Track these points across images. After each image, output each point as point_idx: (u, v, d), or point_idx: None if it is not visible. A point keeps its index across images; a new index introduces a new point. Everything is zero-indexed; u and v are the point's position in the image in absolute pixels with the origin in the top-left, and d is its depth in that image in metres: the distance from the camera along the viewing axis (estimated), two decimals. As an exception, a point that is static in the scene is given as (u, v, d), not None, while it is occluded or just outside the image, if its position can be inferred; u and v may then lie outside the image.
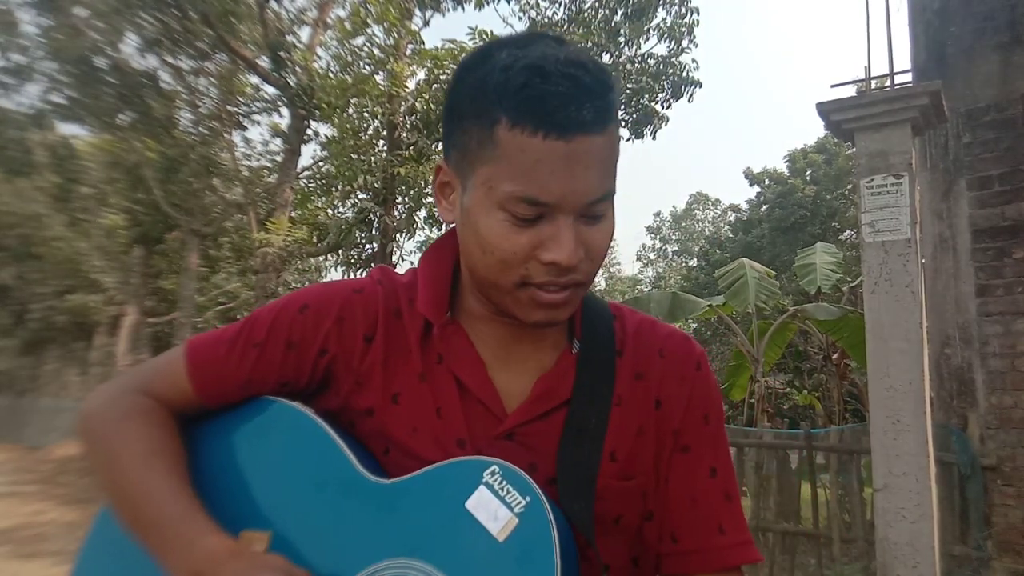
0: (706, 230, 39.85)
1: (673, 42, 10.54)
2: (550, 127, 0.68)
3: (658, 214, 43.45)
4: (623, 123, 10.87)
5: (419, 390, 0.82)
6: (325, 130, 11.49)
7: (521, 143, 0.69)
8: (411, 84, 10.11)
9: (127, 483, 0.78)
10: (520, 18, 11.03)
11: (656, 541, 0.85)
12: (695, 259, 28.55)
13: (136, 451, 0.79)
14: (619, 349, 0.86)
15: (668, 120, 10.89)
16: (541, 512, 0.70)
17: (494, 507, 0.71)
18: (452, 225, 0.82)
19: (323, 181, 13.33)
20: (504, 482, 0.71)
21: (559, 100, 0.68)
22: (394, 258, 10.58)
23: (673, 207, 43.11)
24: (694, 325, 16.71)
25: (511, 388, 0.83)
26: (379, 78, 10.14)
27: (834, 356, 8.79)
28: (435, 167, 0.81)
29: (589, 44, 10.26)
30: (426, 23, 10.75)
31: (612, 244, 0.78)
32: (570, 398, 0.81)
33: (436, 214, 10.14)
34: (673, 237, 42.03)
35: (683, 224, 41.93)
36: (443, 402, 0.81)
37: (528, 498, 0.70)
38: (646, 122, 10.79)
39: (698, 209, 42.38)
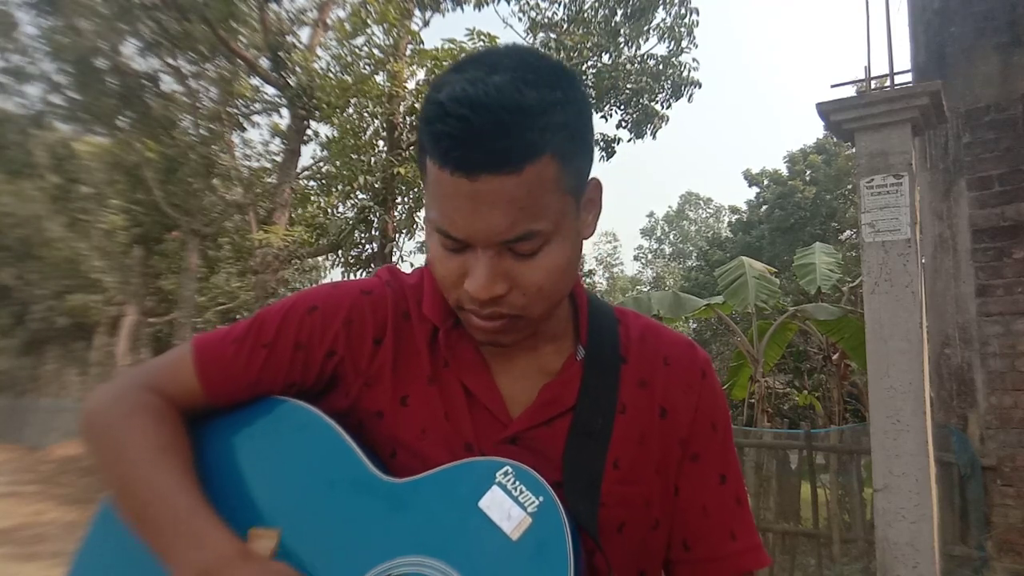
0: (700, 230, 39.90)
1: (673, 42, 10.56)
2: (452, 165, 0.67)
3: (651, 215, 43.46)
4: (623, 124, 10.88)
5: (428, 393, 0.82)
6: (325, 130, 11.52)
7: (436, 175, 0.70)
8: (411, 84, 10.13)
9: (133, 480, 0.77)
10: (520, 19, 11.06)
11: (666, 549, 0.85)
12: (692, 259, 28.57)
13: (143, 447, 0.78)
14: (623, 356, 0.86)
15: (668, 120, 10.91)
16: (554, 512, 0.71)
17: (507, 507, 0.71)
18: None
19: (323, 181, 13.33)
20: (517, 482, 0.72)
21: (450, 141, 0.67)
22: (394, 258, 10.59)
23: (669, 207, 43.19)
24: (694, 325, 16.73)
25: (515, 393, 0.83)
26: (379, 78, 10.15)
27: (834, 356, 8.80)
28: None
29: (589, 44, 10.27)
30: (426, 23, 10.77)
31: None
32: (575, 404, 0.82)
33: None
34: (669, 239, 42.09)
35: (681, 224, 41.98)
36: (450, 406, 0.82)
37: (541, 498, 0.71)
38: (646, 122, 10.80)
39: (690, 210, 42.43)
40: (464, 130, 0.66)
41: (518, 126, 0.67)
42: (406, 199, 10.62)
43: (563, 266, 0.74)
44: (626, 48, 10.71)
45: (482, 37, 9.52)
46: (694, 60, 10.74)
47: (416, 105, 9.75)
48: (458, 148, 0.67)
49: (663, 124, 10.90)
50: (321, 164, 14.24)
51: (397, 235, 10.69)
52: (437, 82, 0.72)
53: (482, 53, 0.75)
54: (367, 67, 10.22)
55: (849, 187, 16.61)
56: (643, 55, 10.75)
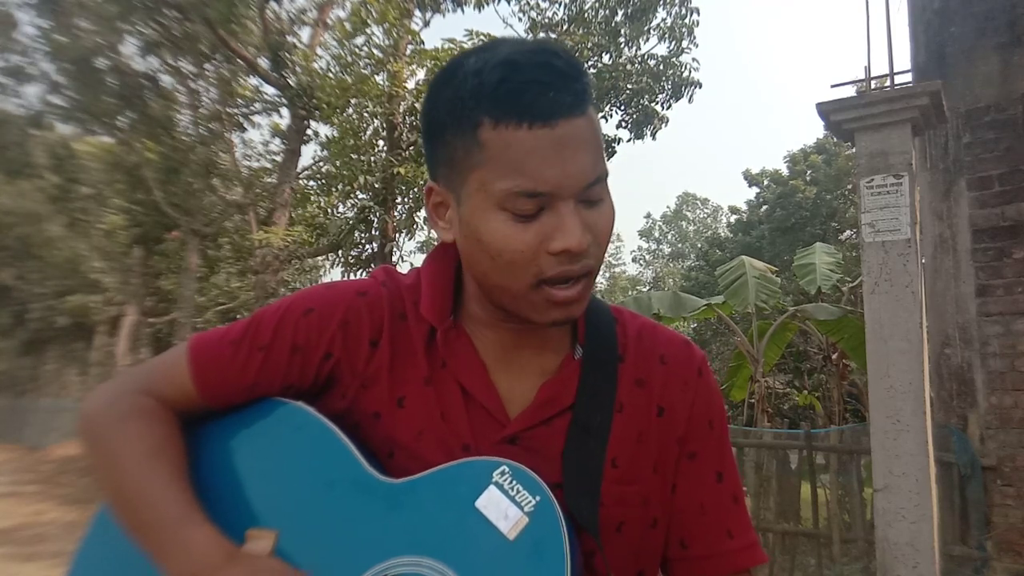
0: (698, 230, 39.96)
1: (673, 42, 10.55)
2: (534, 116, 0.68)
3: (648, 216, 43.57)
4: (623, 124, 10.89)
5: (424, 394, 0.82)
6: (325, 130, 11.51)
7: (507, 139, 0.69)
8: (411, 84, 10.13)
9: (126, 484, 0.78)
10: (520, 19, 11.05)
11: (663, 547, 0.86)
12: (691, 260, 28.55)
13: (136, 452, 0.79)
14: (621, 354, 0.86)
15: (668, 120, 10.90)
16: (551, 511, 0.71)
17: (504, 506, 0.72)
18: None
19: (323, 181, 13.33)
20: (514, 482, 0.72)
21: (538, 88, 0.69)
22: (394, 258, 10.58)
23: (667, 207, 43.30)
24: (693, 325, 16.71)
25: (514, 393, 0.83)
26: (379, 78, 10.14)
27: (834, 356, 8.79)
28: (425, 190, 0.81)
29: (589, 44, 10.26)
30: (426, 23, 10.77)
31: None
32: (573, 403, 0.81)
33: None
34: (667, 239, 42.15)
35: (679, 224, 42.02)
36: (447, 407, 0.81)
37: (538, 497, 0.71)
38: (646, 122, 10.80)
39: (688, 210, 42.50)
40: (549, 74, 0.70)
41: (582, 70, 0.73)
42: (406, 199, 10.61)
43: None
44: (626, 48, 10.71)
45: (481, 37, 9.52)
46: (694, 60, 10.74)
47: (416, 105, 9.74)
48: (547, 92, 0.69)
49: (663, 124, 10.89)
50: (321, 164, 14.23)
51: (397, 235, 10.69)
52: (478, 60, 0.72)
53: (485, 43, 0.77)
54: (367, 67, 10.21)
55: (849, 187, 16.60)
56: (643, 55, 10.75)
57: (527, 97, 0.68)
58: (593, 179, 0.72)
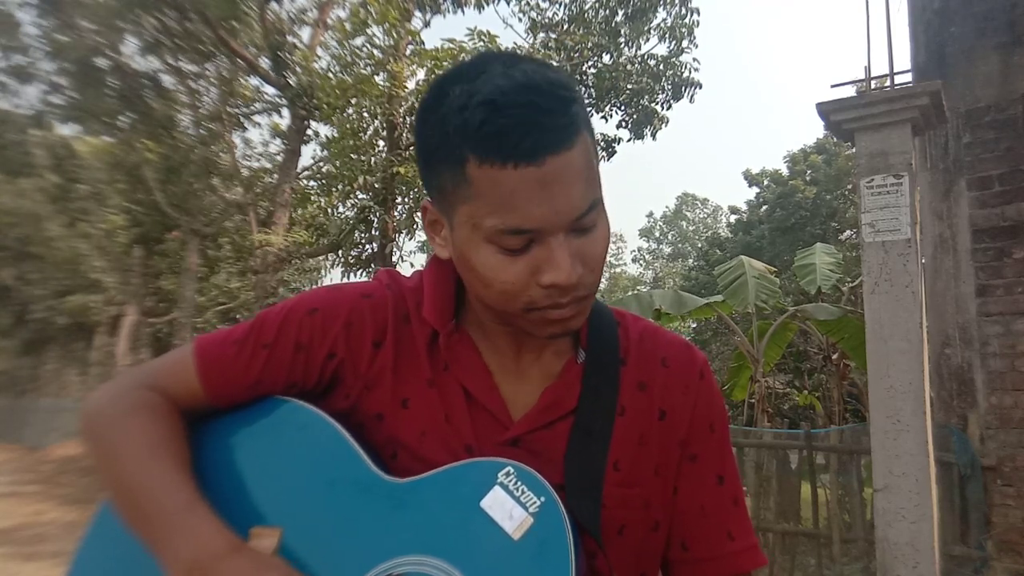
0: (697, 230, 40.03)
1: (673, 42, 10.56)
2: (518, 157, 0.67)
3: (650, 215, 43.67)
4: (623, 124, 10.89)
5: (428, 395, 0.82)
6: (325, 130, 11.51)
7: (493, 177, 0.68)
8: (411, 84, 10.13)
9: (128, 476, 0.78)
10: (520, 19, 11.06)
11: (664, 549, 0.86)
12: (691, 260, 28.54)
13: (139, 444, 0.79)
14: (623, 358, 0.86)
15: (668, 120, 10.91)
16: (556, 512, 0.71)
17: (509, 507, 0.72)
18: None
19: (323, 181, 13.33)
20: (519, 482, 0.73)
21: (520, 130, 0.67)
22: (394, 258, 10.59)
23: (666, 207, 43.36)
24: (693, 324, 16.71)
25: (517, 396, 0.83)
26: (379, 78, 10.14)
27: (834, 356, 8.79)
28: (421, 208, 0.82)
29: (589, 44, 10.27)
30: (426, 24, 10.77)
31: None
32: (576, 407, 0.82)
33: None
34: (667, 239, 42.20)
35: (679, 224, 42.08)
36: (451, 409, 0.82)
37: (543, 498, 0.72)
38: (646, 122, 10.80)
39: (687, 210, 42.56)
40: (533, 114, 0.67)
41: (571, 101, 0.70)
42: (406, 199, 10.62)
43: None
44: (626, 48, 10.72)
45: (483, 36, 9.52)
46: (695, 60, 10.76)
47: (416, 105, 9.73)
48: (531, 133, 0.67)
49: (663, 124, 10.90)
50: (321, 164, 14.23)
51: (397, 235, 10.70)
52: (462, 93, 0.70)
53: (473, 60, 0.75)
54: (367, 67, 10.22)
55: (849, 187, 16.59)
56: (643, 55, 10.76)
57: (512, 139, 0.67)
58: (584, 210, 0.71)
